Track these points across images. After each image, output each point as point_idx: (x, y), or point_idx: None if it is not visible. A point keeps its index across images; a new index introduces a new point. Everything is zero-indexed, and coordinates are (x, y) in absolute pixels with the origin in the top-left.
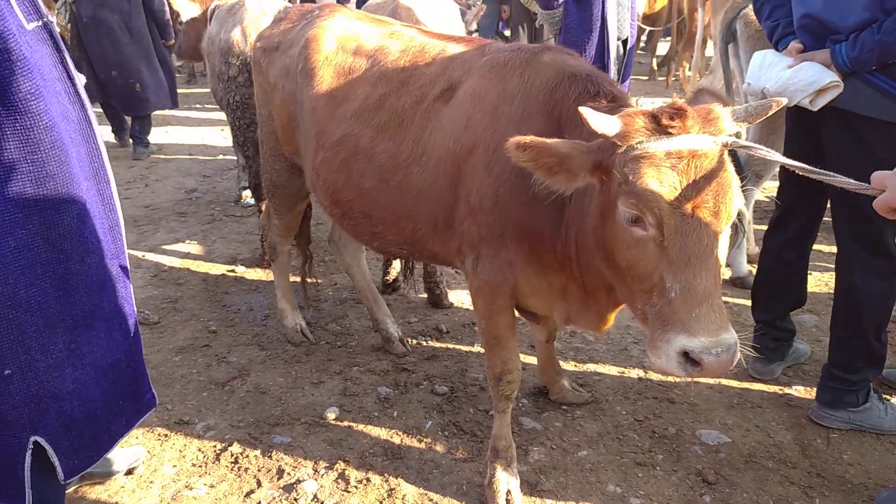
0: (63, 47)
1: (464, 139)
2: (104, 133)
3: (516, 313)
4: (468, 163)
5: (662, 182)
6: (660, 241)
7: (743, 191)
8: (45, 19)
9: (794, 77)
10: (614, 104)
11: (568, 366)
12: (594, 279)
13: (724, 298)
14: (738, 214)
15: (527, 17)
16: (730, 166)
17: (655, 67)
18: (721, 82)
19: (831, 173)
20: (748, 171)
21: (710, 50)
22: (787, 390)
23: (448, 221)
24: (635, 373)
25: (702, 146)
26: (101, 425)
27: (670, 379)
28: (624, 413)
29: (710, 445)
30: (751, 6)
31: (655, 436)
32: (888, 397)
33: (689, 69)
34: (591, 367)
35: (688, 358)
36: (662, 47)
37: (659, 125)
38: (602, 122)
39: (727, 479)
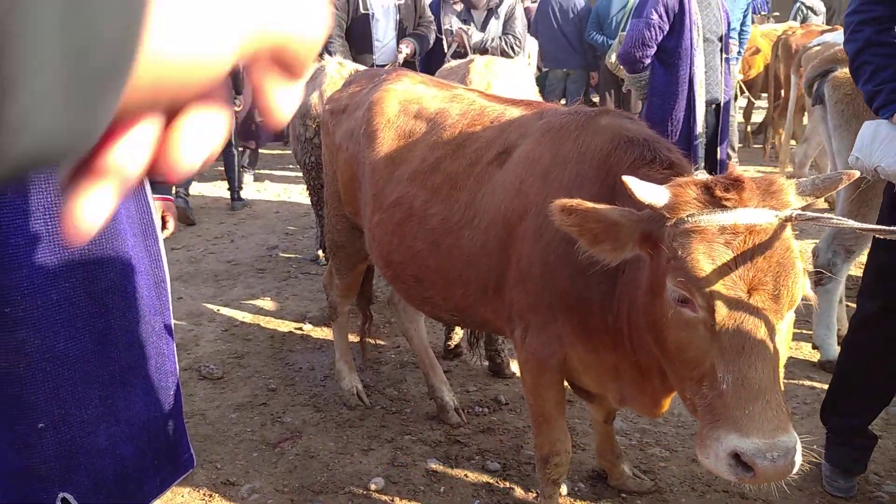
0: None
1: (515, 203)
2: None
3: (569, 389)
4: (519, 228)
5: (714, 260)
6: (710, 325)
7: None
8: None
9: None
10: (670, 171)
11: (631, 449)
12: (648, 359)
13: (812, 383)
14: (827, 286)
15: (614, 82)
16: (794, 244)
17: (751, 134)
18: (817, 150)
19: None
20: (837, 245)
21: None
22: (876, 492)
23: (498, 288)
24: None
25: (760, 220)
26: (133, 484)
27: None
28: None
29: None
30: (842, 68)
31: None
32: None
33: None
34: (657, 451)
35: (739, 460)
36: (759, 115)
37: (713, 197)
38: (649, 193)
39: None
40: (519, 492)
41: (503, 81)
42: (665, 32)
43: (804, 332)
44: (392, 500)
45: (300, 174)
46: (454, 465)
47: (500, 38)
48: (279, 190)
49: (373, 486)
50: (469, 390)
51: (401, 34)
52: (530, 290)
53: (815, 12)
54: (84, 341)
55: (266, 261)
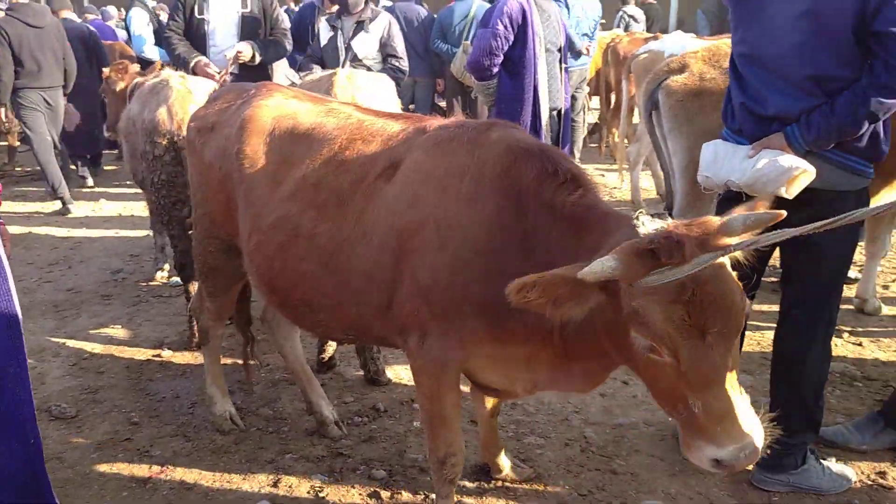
0: None
1: (409, 217)
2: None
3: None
4: (414, 241)
5: (672, 318)
6: (676, 367)
7: None
8: None
9: (765, 168)
10: (575, 185)
11: (508, 441)
12: (587, 349)
13: None
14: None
15: (461, 89)
16: (732, 276)
17: (587, 134)
18: (649, 149)
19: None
20: None
21: (637, 117)
22: None
23: (390, 301)
24: (577, 445)
25: (703, 272)
26: None
27: (611, 450)
28: (567, 488)
29: None
30: (673, 77)
31: None
32: (825, 457)
33: (618, 136)
34: (532, 440)
35: (719, 462)
36: (592, 116)
37: (659, 262)
38: (601, 272)
39: None
40: (407, 495)
41: (367, 94)
42: (510, 42)
43: None
44: None
45: (139, 190)
46: (340, 477)
47: (382, 61)
48: (117, 209)
49: None
50: (347, 401)
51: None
52: (433, 300)
53: (636, 20)
54: None
55: (111, 286)
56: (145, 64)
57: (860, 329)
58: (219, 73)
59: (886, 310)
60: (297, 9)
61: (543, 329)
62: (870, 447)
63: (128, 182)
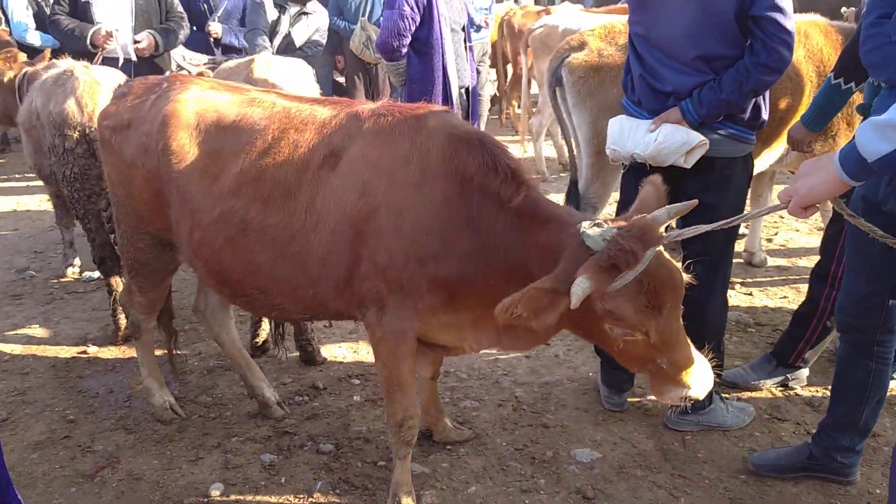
0: None
1: (361, 204)
2: None
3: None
4: (369, 226)
5: (639, 308)
6: (647, 341)
7: None
8: None
9: (665, 141)
10: (515, 181)
11: (446, 406)
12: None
13: None
14: None
15: (361, 66)
16: (670, 259)
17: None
18: (550, 119)
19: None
20: (586, 204)
21: (535, 89)
22: (642, 401)
23: (348, 281)
24: (509, 404)
25: (651, 263)
26: None
27: (541, 406)
28: (504, 444)
29: (584, 463)
30: (574, 55)
31: (535, 462)
32: (727, 396)
33: (518, 108)
34: (468, 403)
35: (687, 397)
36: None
37: (619, 271)
38: (583, 294)
39: (604, 493)
40: (356, 465)
41: (285, 78)
42: (417, 23)
43: None
44: (237, 501)
45: (32, 184)
46: (288, 455)
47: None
48: (11, 204)
49: (213, 493)
50: (285, 382)
51: (143, 27)
52: (391, 278)
53: None
54: None
55: (20, 285)
56: (29, 51)
57: (749, 280)
58: (111, 38)
59: (771, 261)
60: None
61: (493, 296)
62: (765, 385)
63: (16, 175)
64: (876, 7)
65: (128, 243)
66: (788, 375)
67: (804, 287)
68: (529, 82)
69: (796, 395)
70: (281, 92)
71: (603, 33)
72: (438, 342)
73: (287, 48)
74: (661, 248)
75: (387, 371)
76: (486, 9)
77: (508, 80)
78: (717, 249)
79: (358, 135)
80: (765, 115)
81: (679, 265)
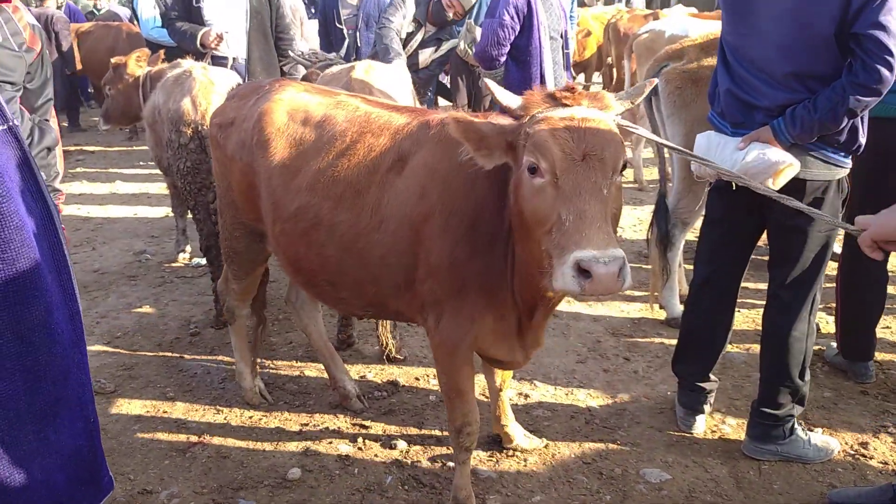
0: (27, 149)
1: (420, 207)
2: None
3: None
4: (425, 228)
5: (555, 136)
6: (554, 184)
7: (671, 233)
8: (9, 123)
9: (754, 161)
10: None
11: (519, 414)
12: (527, 289)
13: (661, 339)
14: (668, 253)
15: (465, 68)
16: (614, 130)
17: None
18: (649, 128)
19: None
20: (675, 218)
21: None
22: (721, 426)
23: (409, 283)
24: (582, 417)
25: (590, 116)
26: None
27: (614, 422)
28: (573, 457)
29: (653, 483)
30: (672, 64)
31: (603, 477)
32: (811, 429)
33: None
34: (541, 412)
35: (580, 270)
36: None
37: (555, 100)
38: (507, 96)
39: None
40: (426, 464)
41: (383, 86)
42: (516, 32)
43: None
44: (312, 487)
45: (153, 171)
46: (363, 447)
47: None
48: (133, 189)
49: (290, 476)
50: (367, 377)
51: (258, 28)
52: (442, 280)
53: None
54: (15, 380)
55: (136, 267)
56: (156, 48)
57: None
58: (220, 41)
59: None
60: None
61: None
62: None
63: (140, 163)
64: None
65: (226, 232)
66: None
67: None
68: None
69: (887, 433)
70: (366, 97)
71: (704, 43)
72: (493, 355)
73: (410, 66)
74: (611, 117)
75: (445, 378)
76: (570, 15)
77: (612, 84)
78: (805, 274)
79: (424, 141)
80: (862, 139)
81: (622, 141)
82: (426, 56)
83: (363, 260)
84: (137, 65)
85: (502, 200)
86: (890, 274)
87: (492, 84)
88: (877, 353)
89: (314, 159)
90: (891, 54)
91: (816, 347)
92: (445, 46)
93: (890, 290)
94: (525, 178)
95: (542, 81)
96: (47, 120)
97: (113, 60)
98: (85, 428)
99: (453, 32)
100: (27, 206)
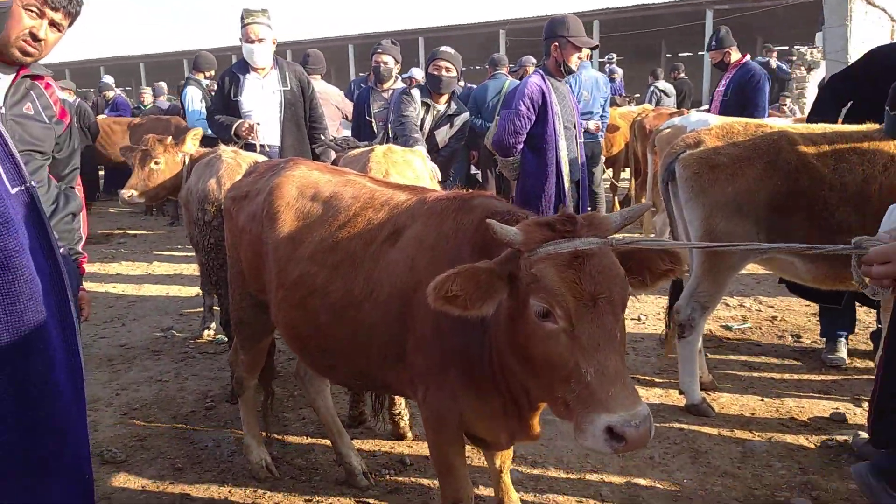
0: (41, 208)
1: (408, 278)
2: None
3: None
4: (413, 299)
5: (565, 280)
6: (570, 332)
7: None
8: (27, 184)
9: None
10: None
11: (527, 496)
12: (515, 386)
13: (680, 425)
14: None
15: (493, 160)
16: (615, 262)
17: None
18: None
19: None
20: (695, 302)
21: None
22: None
23: (398, 354)
24: (592, 502)
25: (591, 247)
26: None
27: None
28: None
29: None
30: (689, 151)
31: None
32: None
33: None
34: (551, 496)
35: (612, 433)
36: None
37: (554, 231)
38: (506, 232)
39: None
40: None
41: (400, 168)
42: (532, 121)
43: (672, 380)
44: None
45: (189, 254)
46: None
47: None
48: (168, 270)
49: None
50: (375, 454)
51: (291, 118)
52: (427, 352)
53: (667, 94)
54: (13, 435)
55: (161, 343)
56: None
57: None
58: (250, 131)
59: None
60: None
61: (493, 371)
62: None
63: (178, 246)
64: None
65: (234, 303)
66: None
67: None
68: (656, 182)
69: None
70: (373, 177)
71: (720, 132)
72: (477, 433)
73: (431, 149)
74: (610, 245)
75: (435, 452)
76: (600, 113)
77: (637, 180)
78: None
79: (418, 215)
80: None
81: (623, 273)
82: (443, 136)
83: (354, 328)
84: (193, 142)
85: None
86: None
87: (493, 223)
88: None
89: (318, 230)
90: None
91: (842, 438)
92: (458, 121)
93: None
94: (533, 320)
95: (558, 167)
96: (73, 188)
97: (153, 136)
98: (80, 488)
99: (461, 106)
100: (37, 263)
